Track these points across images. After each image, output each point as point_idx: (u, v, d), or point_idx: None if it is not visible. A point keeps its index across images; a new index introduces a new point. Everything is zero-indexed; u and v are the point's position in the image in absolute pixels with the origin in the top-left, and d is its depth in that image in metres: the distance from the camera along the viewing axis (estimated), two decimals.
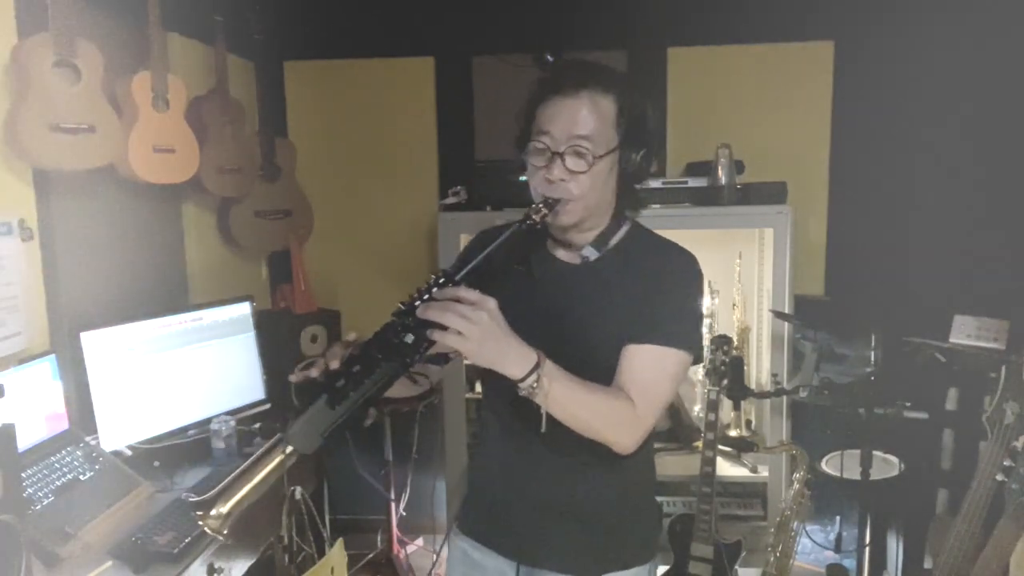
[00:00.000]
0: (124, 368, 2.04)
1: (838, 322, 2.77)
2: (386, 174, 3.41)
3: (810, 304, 3.00)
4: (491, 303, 1.09)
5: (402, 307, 1.10)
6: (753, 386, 3.01)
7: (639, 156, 1.31)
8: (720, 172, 2.77)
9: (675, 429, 3.19)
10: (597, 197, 1.30)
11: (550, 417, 1.16)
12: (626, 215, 1.39)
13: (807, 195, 3.12)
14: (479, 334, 1.06)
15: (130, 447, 2.03)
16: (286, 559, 2.15)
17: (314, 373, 1.11)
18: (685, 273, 1.34)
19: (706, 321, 3.05)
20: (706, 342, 2.95)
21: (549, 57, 2.95)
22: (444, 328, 1.05)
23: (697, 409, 3.16)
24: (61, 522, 1.59)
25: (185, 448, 2.12)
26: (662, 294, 1.30)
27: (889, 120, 3.06)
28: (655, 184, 2.87)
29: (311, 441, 1.07)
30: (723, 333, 2.61)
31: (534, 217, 1.24)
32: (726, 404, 2.78)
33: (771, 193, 2.78)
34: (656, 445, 3.07)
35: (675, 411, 3.19)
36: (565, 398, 1.16)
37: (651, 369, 1.26)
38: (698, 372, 3.10)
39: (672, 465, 3.04)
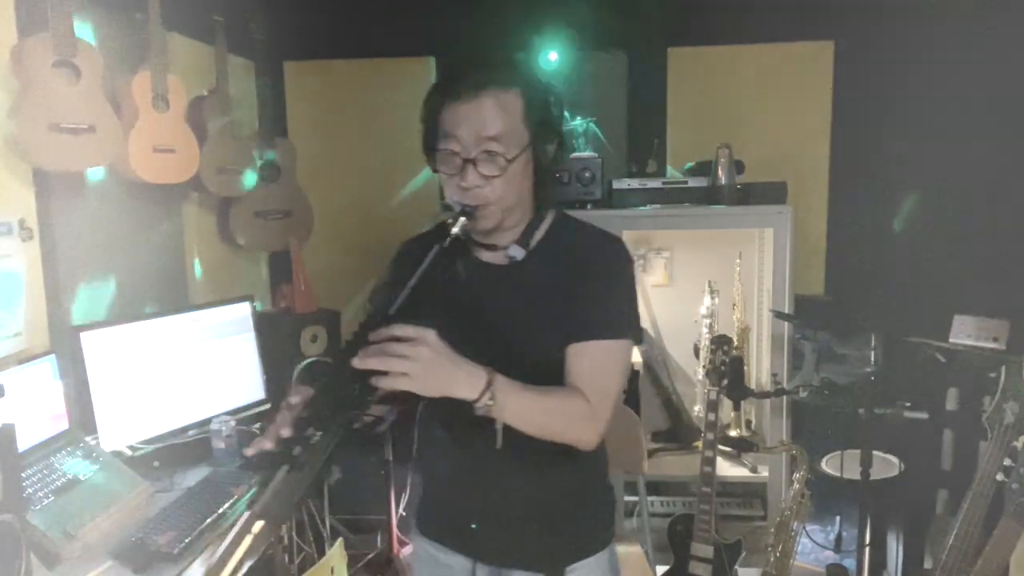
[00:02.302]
0: (124, 368, 2.04)
1: (838, 322, 2.77)
2: (386, 174, 3.41)
3: (810, 304, 3.00)
4: (430, 335, 1.06)
5: (341, 357, 1.07)
6: (753, 386, 3.01)
7: (553, 147, 1.28)
8: (720, 172, 2.77)
9: (675, 429, 3.20)
10: (515, 197, 1.25)
11: (505, 426, 1.14)
12: (547, 207, 1.35)
13: (807, 195, 3.13)
14: (422, 370, 1.04)
15: (130, 447, 2.03)
16: (286, 559, 2.15)
17: (268, 445, 1.06)
18: (616, 260, 1.31)
19: (706, 321, 3.06)
20: (706, 342, 2.96)
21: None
22: (386, 373, 1.03)
23: (697, 409, 3.16)
24: (61, 522, 1.59)
25: (185, 448, 2.12)
26: (596, 285, 1.27)
27: (889, 120, 3.06)
28: (655, 184, 2.87)
29: (284, 512, 1.08)
30: (723, 333, 2.60)
31: (455, 231, 1.19)
32: (726, 404, 2.78)
33: (771, 193, 2.78)
34: (656, 445, 3.11)
35: (675, 411, 3.20)
36: (522, 408, 1.14)
37: (599, 364, 1.25)
38: (698, 372, 3.10)
39: (672, 465, 3.05)
